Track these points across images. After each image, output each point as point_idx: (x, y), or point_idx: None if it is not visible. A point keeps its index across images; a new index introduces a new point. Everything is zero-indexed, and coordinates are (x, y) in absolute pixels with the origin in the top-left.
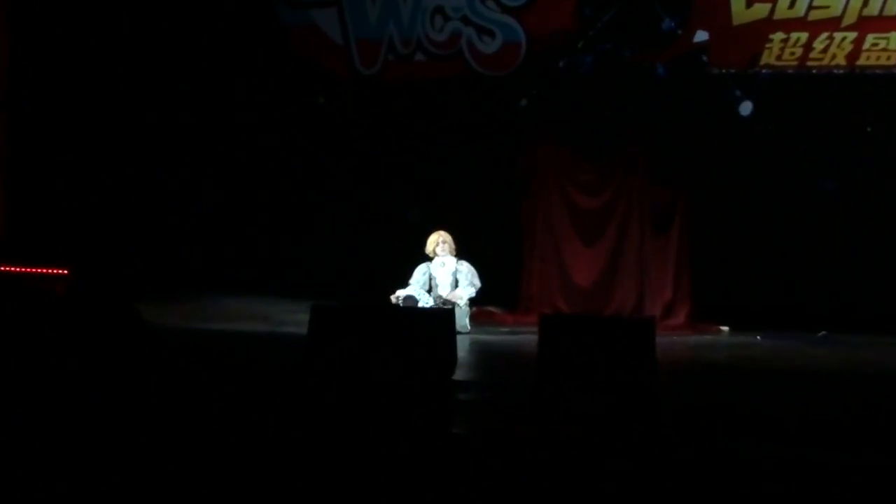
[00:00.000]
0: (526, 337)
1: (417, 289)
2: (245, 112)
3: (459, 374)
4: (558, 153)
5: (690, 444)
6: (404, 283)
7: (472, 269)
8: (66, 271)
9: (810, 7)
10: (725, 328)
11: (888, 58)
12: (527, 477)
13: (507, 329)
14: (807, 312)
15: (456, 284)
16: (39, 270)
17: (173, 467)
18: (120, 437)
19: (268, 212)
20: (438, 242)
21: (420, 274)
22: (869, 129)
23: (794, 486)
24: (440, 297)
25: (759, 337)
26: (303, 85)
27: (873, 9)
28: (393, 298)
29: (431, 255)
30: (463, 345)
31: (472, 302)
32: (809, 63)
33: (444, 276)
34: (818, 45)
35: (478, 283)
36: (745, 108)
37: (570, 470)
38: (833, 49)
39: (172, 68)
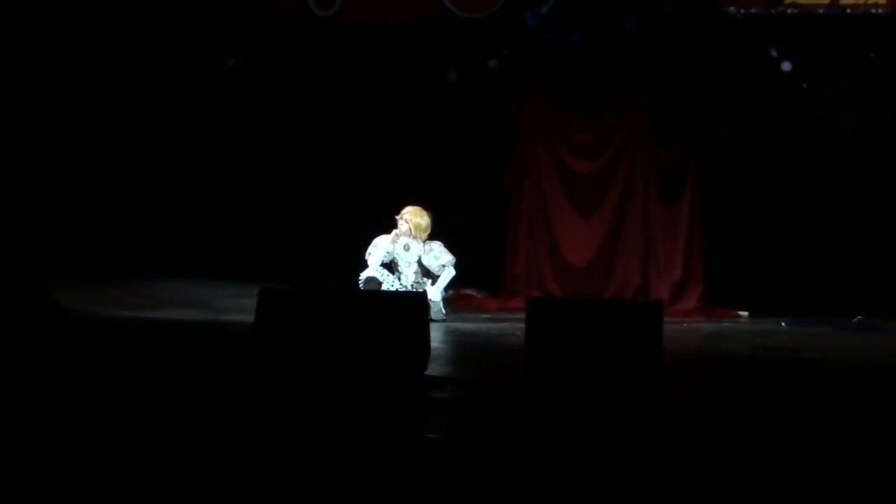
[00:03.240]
0: (511, 325)
1: (381, 269)
2: (178, 70)
3: (433, 369)
4: (548, 108)
5: (703, 450)
6: (365, 265)
7: (439, 247)
8: None
9: None
10: (744, 313)
11: None
12: (512, 488)
13: (488, 315)
14: (839, 295)
15: (425, 273)
16: None
17: (97, 479)
18: (33, 445)
19: (204, 183)
20: (403, 217)
21: (382, 253)
22: None
23: (824, 499)
24: (405, 287)
25: (783, 323)
26: (249, 36)
27: None
28: (361, 284)
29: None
30: (437, 334)
31: (449, 284)
32: (844, 1)
33: (406, 263)
34: None
35: (448, 258)
36: (786, 66)
37: (562, 480)
38: None
39: (91, 26)
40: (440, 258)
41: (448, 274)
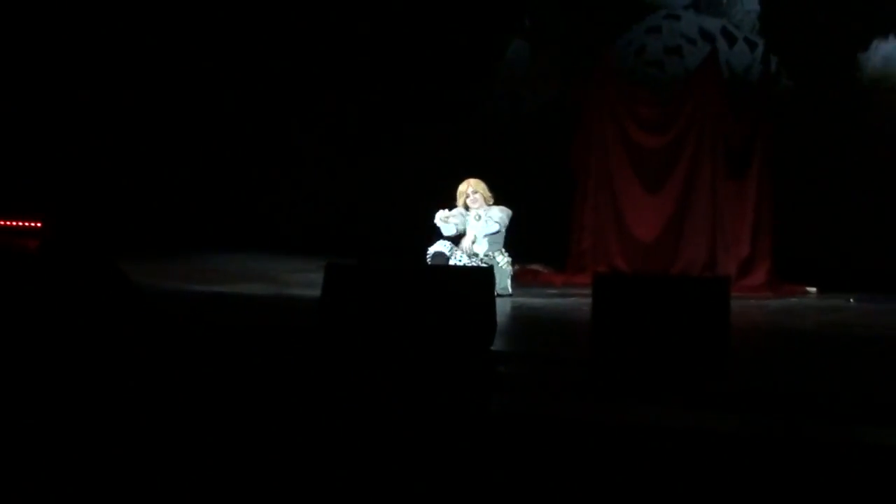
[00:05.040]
0: (577, 300)
1: (448, 243)
2: (233, 48)
3: (499, 344)
4: (615, 83)
5: (769, 428)
6: (430, 240)
7: (502, 207)
8: (39, 224)
9: None
10: (812, 289)
11: None
12: (577, 463)
13: (555, 291)
14: None
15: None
16: (8, 223)
17: (170, 448)
18: (109, 415)
19: (268, 159)
20: (468, 194)
21: (452, 227)
22: None
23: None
24: (463, 251)
25: (852, 300)
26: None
27: None
28: (428, 258)
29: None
30: (503, 309)
31: (515, 259)
32: None
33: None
34: None
35: (498, 217)
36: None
37: (627, 457)
38: None
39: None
40: (494, 216)
41: (489, 228)
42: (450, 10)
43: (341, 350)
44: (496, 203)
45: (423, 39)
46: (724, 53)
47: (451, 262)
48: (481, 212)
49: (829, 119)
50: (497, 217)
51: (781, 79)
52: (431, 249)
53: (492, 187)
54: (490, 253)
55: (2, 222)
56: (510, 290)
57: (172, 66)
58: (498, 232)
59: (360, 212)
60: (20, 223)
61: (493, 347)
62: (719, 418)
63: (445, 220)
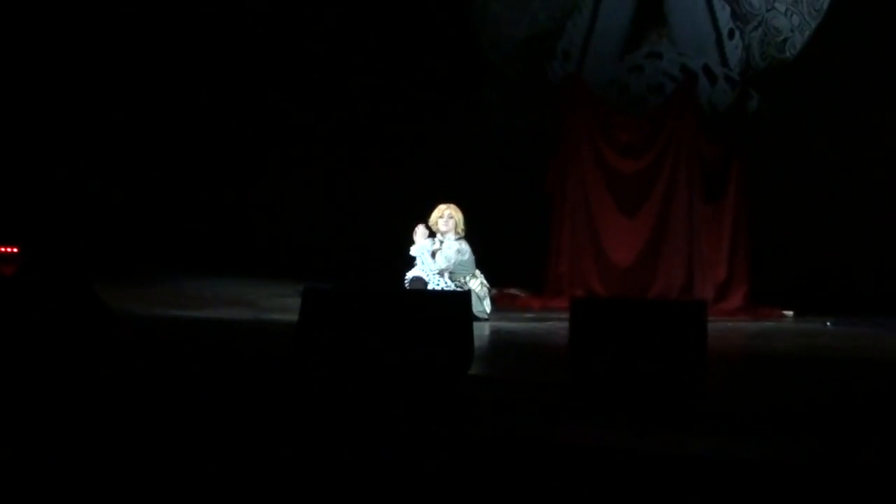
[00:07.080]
0: (555, 324)
1: (427, 267)
2: (205, 68)
3: (476, 369)
4: (591, 107)
5: (748, 452)
6: (408, 264)
7: (460, 248)
8: (16, 249)
9: None
10: (789, 313)
11: None
12: (555, 487)
13: (532, 315)
14: (886, 294)
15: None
16: None
17: (145, 472)
18: (83, 438)
19: (245, 183)
20: (443, 215)
21: (428, 247)
22: None
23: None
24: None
25: (829, 323)
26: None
27: None
28: (406, 283)
29: (434, 231)
30: (481, 334)
31: (493, 283)
32: None
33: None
34: None
35: (448, 256)
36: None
37: (605, 481)
38: None
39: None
40: (448, 253)
41: (426, 260)
42: (427, 36)
43: (318, 375)
44: (467, 236)
45: (401, 63)
46: (705, 91)
47: (430, 287)
48: (444, 239)
49: (805, 142)
50: (448, 255)
51: (754, 102)
52: (409, 274)
53: (469, 210)
54: (462, 278)
55: None
56: (487, 313)
57: (147, 91)
58: (447, 268)
59: (337, 236)
60: None
61: (470, 372)
62: (697, 442)
63: (419, 236)
